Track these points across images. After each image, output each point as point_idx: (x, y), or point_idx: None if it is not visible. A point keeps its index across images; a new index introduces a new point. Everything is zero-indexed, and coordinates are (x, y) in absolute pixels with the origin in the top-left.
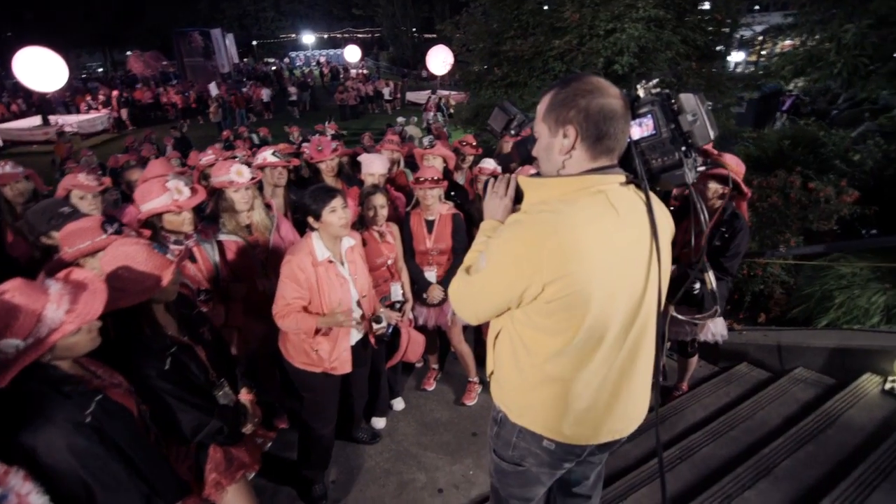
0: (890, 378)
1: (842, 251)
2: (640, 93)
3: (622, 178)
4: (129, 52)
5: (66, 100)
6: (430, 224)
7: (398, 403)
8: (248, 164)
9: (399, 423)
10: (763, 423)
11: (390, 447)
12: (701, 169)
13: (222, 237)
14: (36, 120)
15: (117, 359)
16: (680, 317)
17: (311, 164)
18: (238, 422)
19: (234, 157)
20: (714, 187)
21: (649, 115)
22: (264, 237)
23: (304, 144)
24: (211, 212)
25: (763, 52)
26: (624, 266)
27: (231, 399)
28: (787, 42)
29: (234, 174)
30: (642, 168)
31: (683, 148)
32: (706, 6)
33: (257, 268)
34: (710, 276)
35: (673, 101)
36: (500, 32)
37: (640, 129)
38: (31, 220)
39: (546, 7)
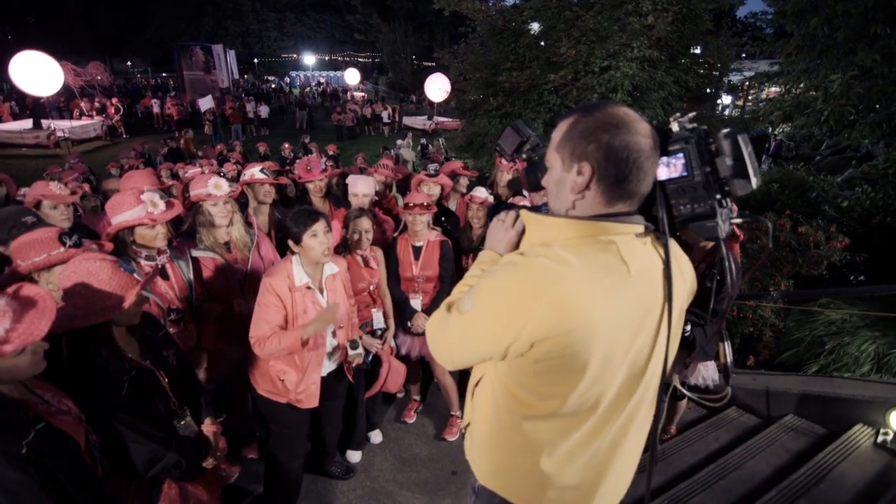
0: (882, 430)
1: (832, 297)
2: (674, 126)
3: (640, 228)
4: (128, 62)
5: (60, 105)
6: (417, 250)
7: (376, 436)
8: (235, 179)
9: (375, 458)
10: (753, 473)
11: (364, 483)
12: (736, 221)
13: (198, 253)
14: (27, 123)
15: (69, 383)
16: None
17: (298, 184)
18: (198, 455)
19: (219, 172)
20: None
21: (681, 154)
22: (243, 255)
23: (298, 161)
24: (188, 227)
25: (750, 98)
26: (628, 332)
27: (192, 430)
28: (774, 89)
29: (212, 187)
30: (665, 216)
31: (718, 196)
32: (698, 50)
33: (234, 287)
34: (726, 348)
35: (711, 139)
36: (497, 63)
37: (668, 170)
38: None
39: (543, 42)
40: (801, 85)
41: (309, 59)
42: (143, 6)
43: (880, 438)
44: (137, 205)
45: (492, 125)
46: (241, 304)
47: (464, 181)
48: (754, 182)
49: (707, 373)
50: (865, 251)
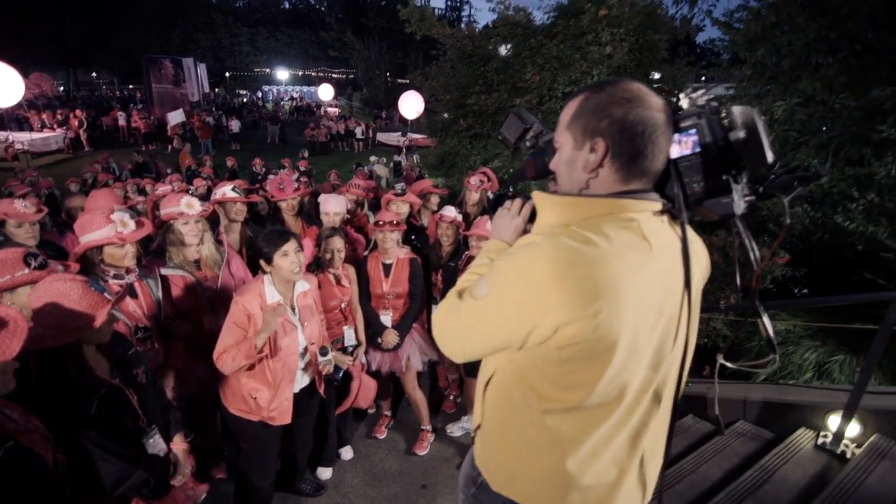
0: (822, 433)
1: (776, 309)
2: (684, 103)
3: (657, 205)
4: (94, 73)
5: (20, 117)
6: (387, 267)
7: (346, 452)
8: (205, 198)
9: (346, 474)
10: (706, 477)
11: (335, 500)
12: (750, 199)
13: (167, 272)
14: None
15: (37, 401)
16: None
17: (270, 202)
18: (166, 473)
19: (189, 191)
20: None
21: (693, 130)
22: (213, 273)
23: (270, 177)
24: (157, 245)
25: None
26: (653, 312)
27: (161, 448)
28: None
29: (185, 206)
30: (681, 193)
31: (733, 171)
32: (657, 76)
33: (204, 304)
34: (766, 321)
35: (724, 114)
36: (466, 86)
37: (680, 147)
38: None
39: (510, 67)
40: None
41: (282, 73)
42: (111, 18)
43: (820, 441)
44: (107, 224)
45: (462, 145)
46: (212, 321)
47: (435, 199)
48: (769, 156)
49: None
50: (806, 266)
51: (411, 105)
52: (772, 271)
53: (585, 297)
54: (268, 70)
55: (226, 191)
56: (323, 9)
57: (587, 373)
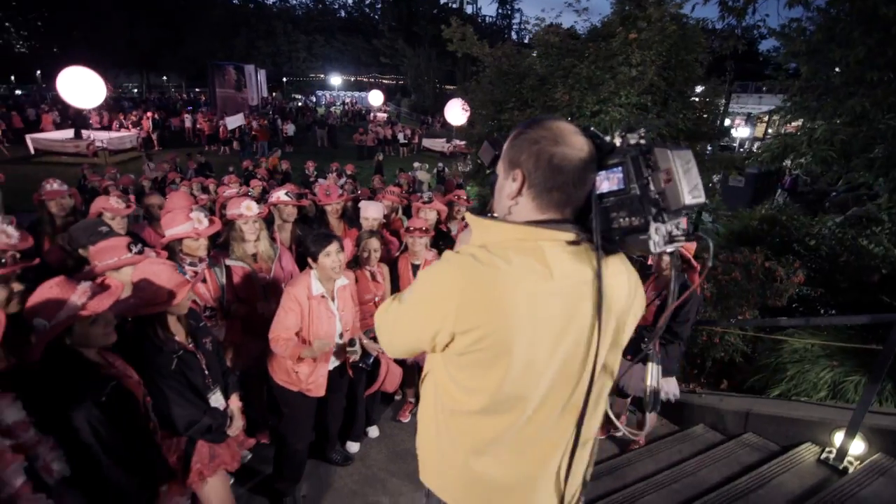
0: (827, 449)
1: (793, 327)
2: (617, 141)
3: (570, 235)
4: (164, 77)
5: (102, 117)
6: (415, 268)
7: (373, 431)
8: (259, 197)
9: (371, 450)
10: (704, 480)
11: (360, 470)
12: (681, 239)
13: (230, 262)
14: (69, 133)
15: (133, 356)
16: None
17: (318, 205)
18: (224, 423)
19: (248, 194)
20: (666, 259)
21: (620, 168)
22: (267, 266)
23: (320, 181)
24: (223, 240)
25: (770, 130)
26: (551, 335)
27: (221, 403)
28: (795, 123)
29: (244, 209)
30: (597, 226)
31: (654, 210)
32: (699, 89)
33: (259, 292)
34: (653, 369)
35: (650, 155)
36: (502, 102)
37: (608, 183)
38: (73, 234)
39: (544, 85)
40: (800, 123)
41: (335, 79)
42: (181, 25)
43: (824, 455)
44: (186, 221)
45: None
46: (264, 306)
47: (462, 208)
48: (687, 198)
49: (669, 388)
50: (830, 287)
51: (457, 112)
52: (787, 289)
53: (476, 311)
54: (322, 75)
55: (279, 195)
56: (376, 17)
57: (483, 379)
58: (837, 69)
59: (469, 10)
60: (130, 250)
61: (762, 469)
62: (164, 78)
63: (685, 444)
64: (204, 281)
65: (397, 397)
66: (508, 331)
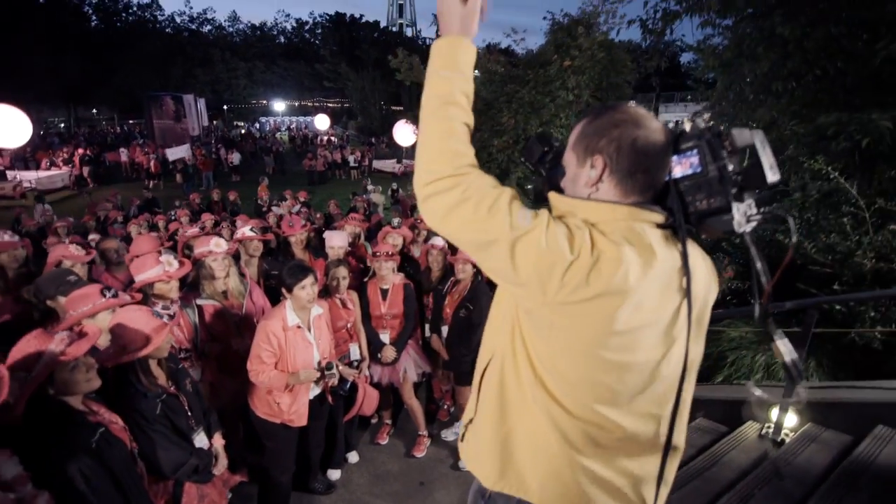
0: (766, 425)
1: (728, 317)
2: (687, 126)
3: (659, 217)
4: (94, 110)
5: (26, 155)
6: (384, 292)
7: (353, 456)
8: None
9: (353, 475)
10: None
11: (344, 497)
12: (756, 218)
13: (201, 301)
14: None
15: (116, 402)
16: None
17: (280, 237)
18: (210, 463)
19: (211, 231)
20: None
21: (695, 151)
22: (238, 302)
23: (273, 208)
24: (192, 280)
25: None
26: (651, 319)
27: (205, 443)
28: None
29: (213, 245)
30: (680, 210)
31: (734, 190)
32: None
33: (232, 328)
34: (783, 345)
35: (725, 136)
36: None
37: (682, 167)
38: (41, 285)
39: (490, 110)
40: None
41: (279, 104)
42: (112, 55)
43: (764, 431)
44: (157, 265)
45: None
46: (238, 343)
47: (423, 231)
48: (770, 176)
49: None
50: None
51: (407, 133)
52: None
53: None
54: (264, 102)
55: (245, 231)
56: (317, 42)
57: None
58: (748, 80)
59: (409, 32)
60: (104, 295)
61: (713, 449)
62: (94, 111)
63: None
64: (176, 323)
65: (373, 421)
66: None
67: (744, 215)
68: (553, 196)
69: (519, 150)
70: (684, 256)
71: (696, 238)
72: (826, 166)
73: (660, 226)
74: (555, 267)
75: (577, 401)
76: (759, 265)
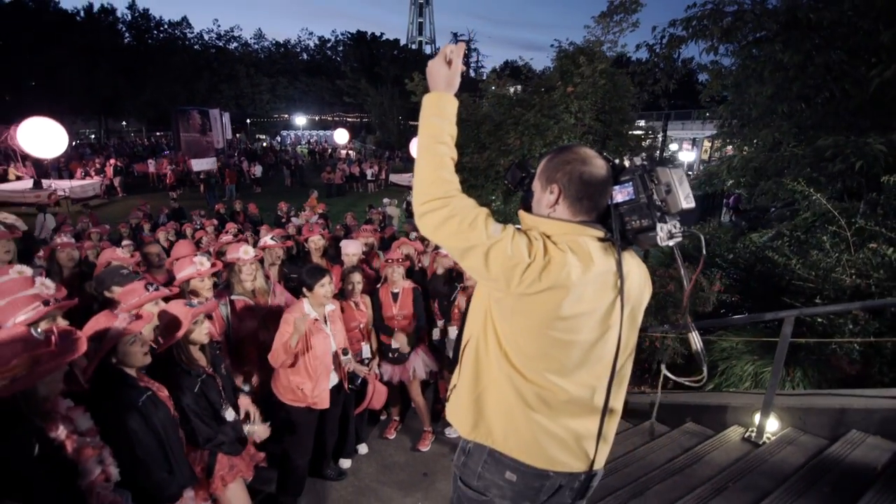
0: (749, 429)
1: (720, 328)
2: (626, 163)
3: (599, 233)
4: (124, 122)
5: (60, 165)
6: (395, 295)
7: (363, 448)
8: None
9: (362, 465)
10: (651, 462)
11: (354, 483)
12: (678, 236)
13: (234, 297)
14: (28, 183)
15: (165, 378)
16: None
17: (301, 245)
18: (239, 433)
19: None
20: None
21: (630, 183)
22: (264, 299)
23: (293, 219)
24: (225, 281)
25: (717, 154)
26: (589, 308)
27: (233, 417)
28: (730, 147)
29: (242, 253)
30: (617, 227)
31: (658, 213)
32: (641, 123)
33: (260, 321)
34: (695, 337)
35: (653, 172)
36: (463, 145)
37: (621, 195)
38: (100, 278)
39: (499, 131)
40: (728, 149)
41: (300, 119)
42: (142, 69)
43: (747, 434)
44: (191, 265)
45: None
46: (264, 334)
47: (433, 243)
48: (683, 204)
49: None
50: (747, 294)
51: None
52: (709, 297)
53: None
54: (286, 116)
55: (267, 240)
56: (339, 59)
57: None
58: (754, 104)
59: (428, 49)
60: (147, 290)
61: (696, 449)
62: (124, 123)
63: (638, 437)
64: (210, 318)
65: (382, 417)
66: (568, 300)
67: (667, 233)
68: (522, 214)
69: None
70: (619, 263)
71: (637, 249)
72: (809, 189)
73: (601, 239)
74: (516, 268)
75: (532, 369)
76: (682, 272)
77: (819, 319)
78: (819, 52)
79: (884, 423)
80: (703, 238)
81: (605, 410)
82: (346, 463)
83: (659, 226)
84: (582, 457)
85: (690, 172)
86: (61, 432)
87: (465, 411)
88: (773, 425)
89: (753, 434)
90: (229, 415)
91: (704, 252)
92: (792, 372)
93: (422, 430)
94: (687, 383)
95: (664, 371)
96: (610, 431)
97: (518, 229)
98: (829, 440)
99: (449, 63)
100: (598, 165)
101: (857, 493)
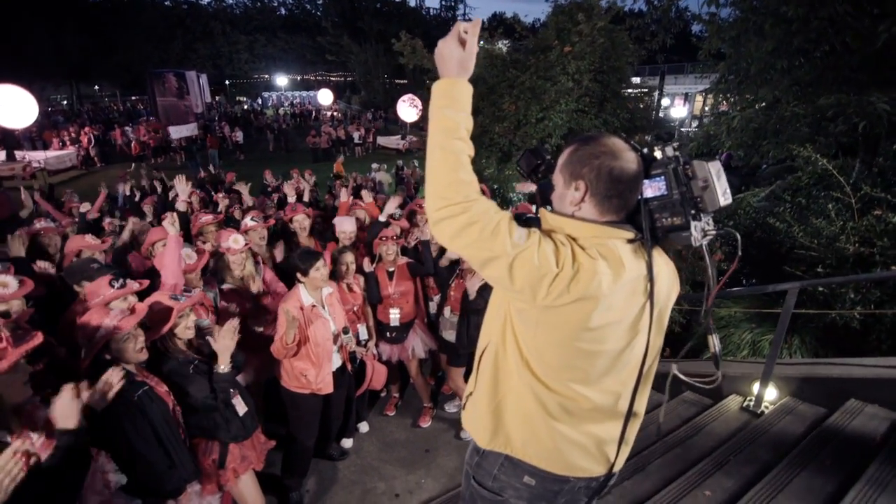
0: (748, 398)
1: (717, 297)
2: (658, 154)
3: (629, 234)
4: (96, 87)
5: (33, 135)
6: (390, 273)
7: (363, 426)
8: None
9: (364, 443)
10: (650, 435)
11: (356, 462)
12: (711, 233)
13: (224, 286)
14: (0, 155)
15: (159, 370)
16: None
17: (286, 225)
18: (242, 425)
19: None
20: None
21: (662, 177)
22: (254, 285)
23: (286, 185)
24: (214, 267)
25: (706, 108)
26: (618, 317)
27: (245, 409)
28: (724, 104)
29: (232, 242)
30: (647, 226)
31: (693, 211)
32: (636, 80)
33: (250, 309)
34: (715, 339)
35: (688, 166)
36: None
37: (651, 189)
38: (72, 270)
39: (492, 95)
40: (723, 105)
41: (281, 79)
42: (112, 30)
43: (745, 404)
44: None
45: None
46: (253, 322)
47: (422, 215)
48: (721, 201)
49: None
50: (746, 261)
51: (409, 107)
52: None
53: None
54: (266, 76)
55: (247, 221)
56: (318, 13)
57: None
58: (753, 59)
59: (412, 2)
60: (112, 286)
61: (696, 420)
62: (97, 87)
63: None
64: (202, 305)
65: (382, 395)
66: (598, 310)
67: (700, 231)
68: (544, 213)
69: (519, 135)
70: (649, 267)
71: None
72: (814, 153)
73: (629, 240)
74: (543, 279)
75: (556, 379)
76: (710, 272)
77: (820, 288)
78: (823, 4)
79: (882, 391)
80: (739, 237)
81: (630, 415)
82: (347, 442)
83: (693, 224)
84: (603, 461)
85: (683, 129)
86: (35, 443)
87: (483, 420)
88: (771, 394)
89: (752, 403)
90: (240, 407)
91: (740, 253)
92: (790, 340)
93: (421, 406)
94: (699, 384)
95: (676, 372)
96: (632, 434)
97: (543, 233)
98: (828, 409)
99: (462, 44)
100: (628, 160)
101: (858, 464)
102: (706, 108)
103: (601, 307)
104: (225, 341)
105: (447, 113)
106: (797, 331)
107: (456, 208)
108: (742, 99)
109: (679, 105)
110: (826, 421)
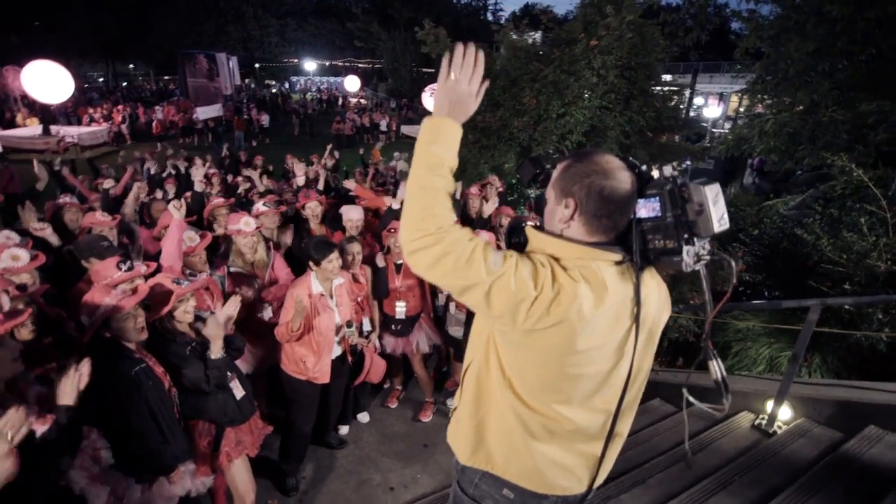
0: (760, 416)
1: (736, 309)
2: (655, 174)
3: (616, 256)
4: (131, 65)
5: (68, 111)
6: (398, 266)
7: (363, 416)
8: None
9: (363, 433)
10: (654, 447)
11: (354, 452)
12: (706, 258)
13: (233, 270)
14: (37, 129)
15: (157, 350)
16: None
17: (298, 212)
18: (237, 408)
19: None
20: None
21: (657, 198)
22: (263, 273)
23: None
24: (224, 249)
25: (741, 109)
26: (603, 341)
27: (242, 394)
28: (760, 106)
29: (243, 224)
30: (638, 247)
31: (686, 235)
32: (667, 78)
33: (256, 297)
34: (717, 365)
35: (684, 188)
36: None
37: (646, 210)
38: (81, 246)
39: (514, 88)
40: (759, 107)
41: (310, 64)
42: (147, 11)
43: (757, 422)
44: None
45: (471, 154)
46: (260, 309)
47: None
48: (716, 227)
49: None
50: (770, 274)
51: (431, 98)
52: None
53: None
54: (295, 60)
55: (258, 206)
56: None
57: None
58: (792, 60)
59: None
60: (119, 269)
61: (703, 435)
62: (131, 66)
63: (643, 417)
64: (207, 289)
65: (385, 386)
66: (582, 332)
67: (693, 256)
68: (529, 232)
69: (539, 130)
70: (636, 289)
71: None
72: (850, 163)
73: (617, 262)
74: (522, 303)
75: (538, 400)
76: (707, 296)
77: (846, 307)
78: (872, 5)
79: None
80: (734, 265)
81: (611, 435)
82: (344, 429)
83: (686, 249)
84: (582, 480)
85: (715, 130)
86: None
87: (464, 436)
88: (785, 414)
89: (764, 422)
90: (237, 391)
91: (734, 281)
92: (810, 358)
93: (423, 400)
94: (709, 410)
95: (686, 395)
96: (613, 454)
97: (521, 255)
98: (845, 434)
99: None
100: (621, 179)
101: (873, 496)
102: (741, 109)
103: (584, 331)
104: (214, 328)
105: (432, 149)
106: (818, 349)
107: (429, 238)
108: (779, 101)
109: (713, 104)
110: (842, 446)
